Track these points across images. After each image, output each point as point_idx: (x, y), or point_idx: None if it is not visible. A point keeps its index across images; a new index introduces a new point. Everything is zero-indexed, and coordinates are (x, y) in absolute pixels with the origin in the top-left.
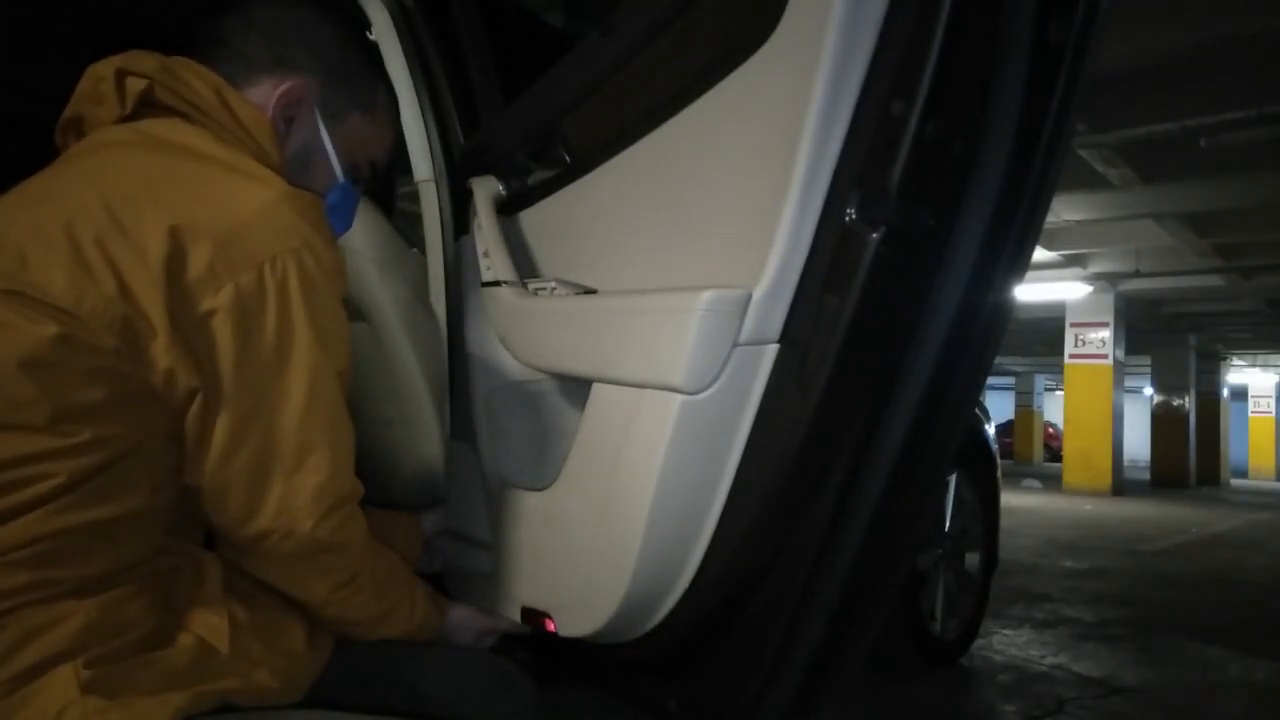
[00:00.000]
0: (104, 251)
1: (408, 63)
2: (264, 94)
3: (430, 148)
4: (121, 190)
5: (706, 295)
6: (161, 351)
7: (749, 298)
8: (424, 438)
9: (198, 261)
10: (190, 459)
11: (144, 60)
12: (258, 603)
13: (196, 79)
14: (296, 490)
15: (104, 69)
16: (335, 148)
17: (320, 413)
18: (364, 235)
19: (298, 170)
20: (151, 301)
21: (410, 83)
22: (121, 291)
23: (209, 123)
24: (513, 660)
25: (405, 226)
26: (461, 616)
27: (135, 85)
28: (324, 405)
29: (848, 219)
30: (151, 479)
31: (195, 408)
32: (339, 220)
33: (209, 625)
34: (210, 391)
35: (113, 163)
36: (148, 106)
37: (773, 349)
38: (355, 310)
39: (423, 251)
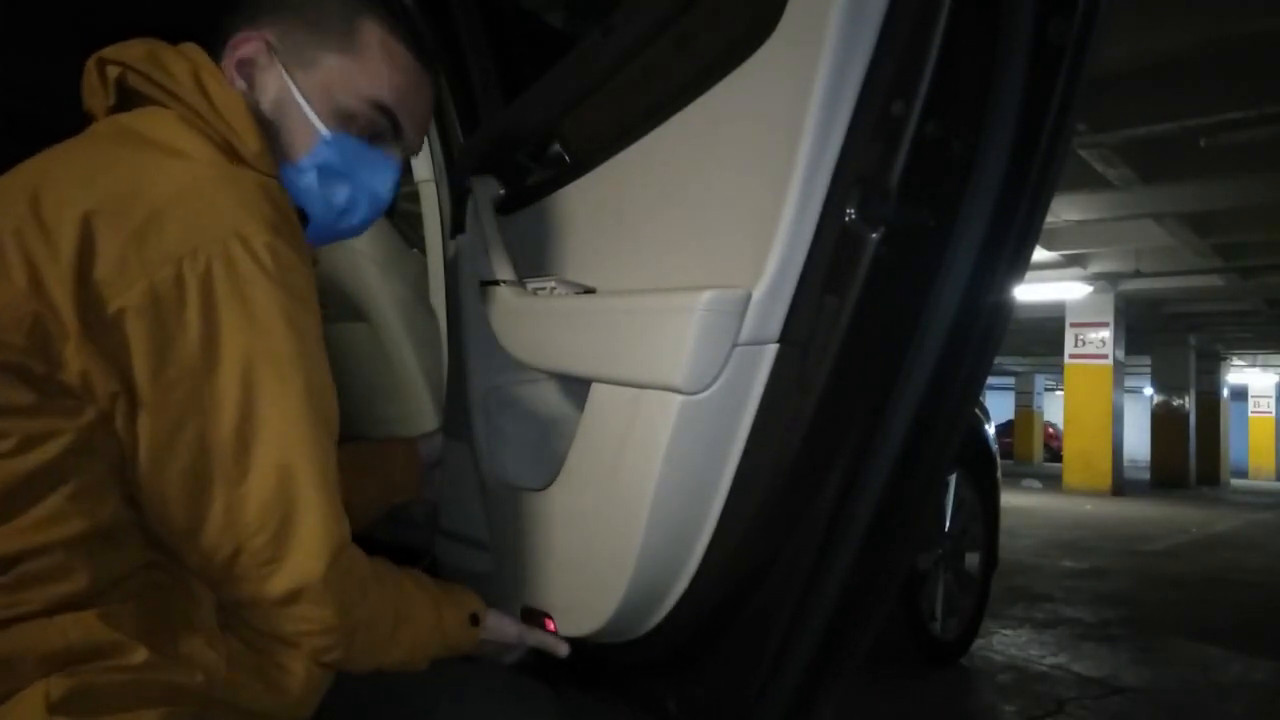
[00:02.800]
0: (20, 244)
1: None
2: (228, 59)
3: (430, 148)
4: (50, 181)
5: (706, 295)
6: (73, 353)
7: (749, 297)
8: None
9: (108, 255)
10: (127, 466)
11: (129, 49)
12: (252, 642)
13: (177, 63)
14: (242, 503)
15: (92, 60)
16: (310, 98)
17: (268, 422)
18: (364, 235)
19: (275, 135)
20: (62, 298)
21: None
22: (33, 287)
23: (182, 107)
24: (531, 677)
25: (405, 226)
26: (493, 627)
27: (111, 74)
28: (271, 413)
29: (848, 219)
30: (122, 489)
31: (120, 413)
32: (345, 182)
33: (196, 650)
34: (130, 397)
35: (61, 155)
36: (134, 95)
37: (773, 349)
38: (355, 310)
39: (423, 251)
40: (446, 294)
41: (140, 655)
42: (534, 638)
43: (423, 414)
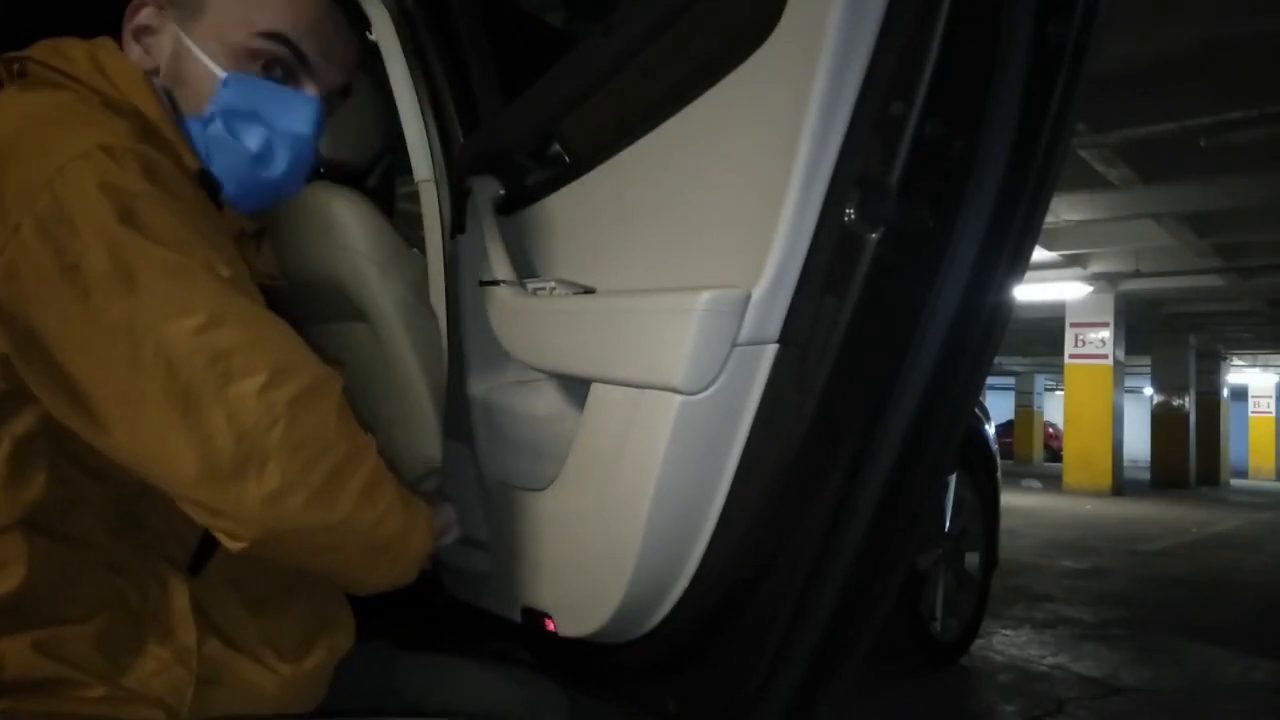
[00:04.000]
0: None
1: (408, 63)
2: (126, 31)
3: (430, 148)
4: None
5: (705, 295)
6: None
7: (748, 298)
8: (424, 437)
9: None
10: (89, 433)
11: (39, 45)
12: (234, 641)
13: (78, 49)
14: (241, 399)
15: None
16: (203, 44)
17: (226, 312)
18: (364, 235)
19: (178, 89)
20: None
21: (410, 83)
22: None
23: (78, 87)
24: (541, 675)
25: (405, 226)
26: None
27: (12, 66)
28: (221, 304)
29: (847, 219)
30: (58, 464)
31: (43, 385)
32: (254, 123)
33: (162, 670)
34: (46, 360)
35: None
36: (37, 85)
37: (772, 349)
38: (355, 310)
39: (423, 251)
40: (446, 294)
41: (95, 690)
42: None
43: (423, 414)
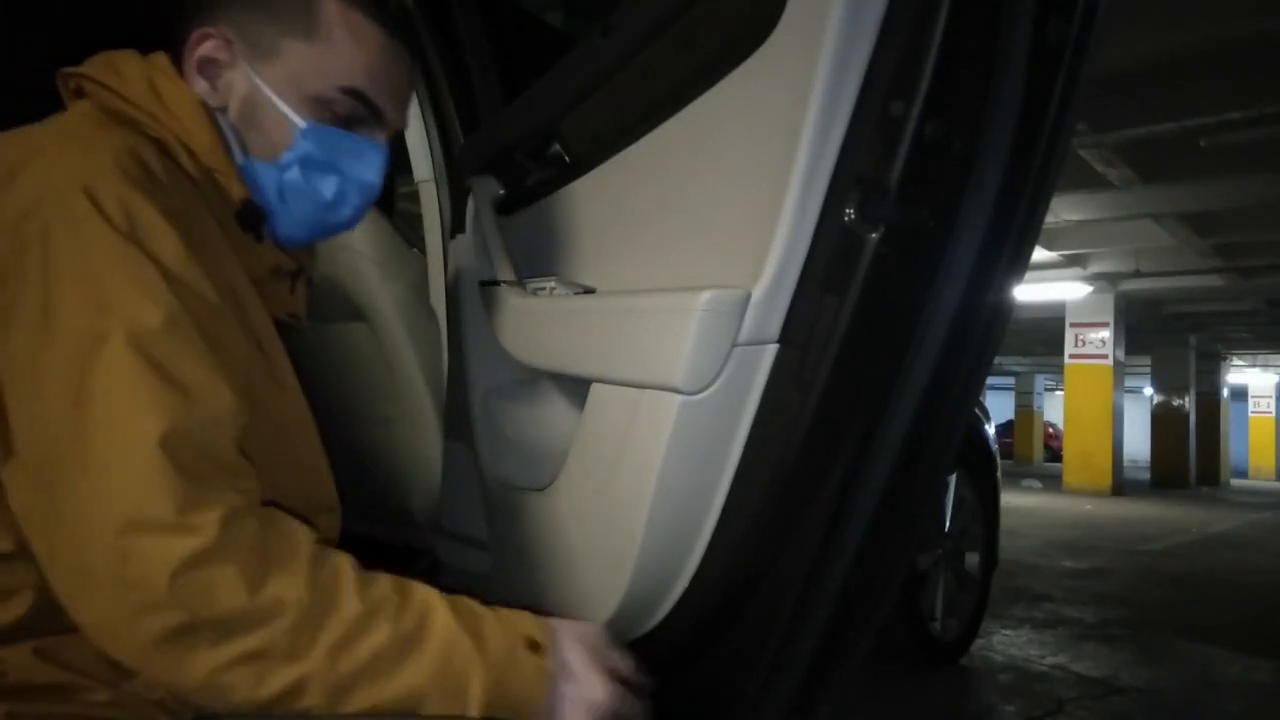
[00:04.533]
0: None
1: None
2: (188, 60)
3: (430, 148)
4: None
5: (705, 295)
6: None
7: (748, 298)
8: (424, 437)
9: None
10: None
11: (92, 61)
12: None
13: (132, 68)
14: (90, 499)
15: (58, 75)
16: (279, 91)
17: (107, 379)
18: (364, 235)
19: (250, 133)
20: None
21: None
22: None
23: (137, 113)
24: None
25: (405, 226)
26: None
27: (71, 84)
28: (110, 369)
29: (847, 219)
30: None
31: None
32: (330, 173)
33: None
34: None
35: None
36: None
37: (772, 349)
38: (355, 310)
39: (423, 251)
40: (446, 294)
41: (99, 694)
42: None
43: (423, 414)
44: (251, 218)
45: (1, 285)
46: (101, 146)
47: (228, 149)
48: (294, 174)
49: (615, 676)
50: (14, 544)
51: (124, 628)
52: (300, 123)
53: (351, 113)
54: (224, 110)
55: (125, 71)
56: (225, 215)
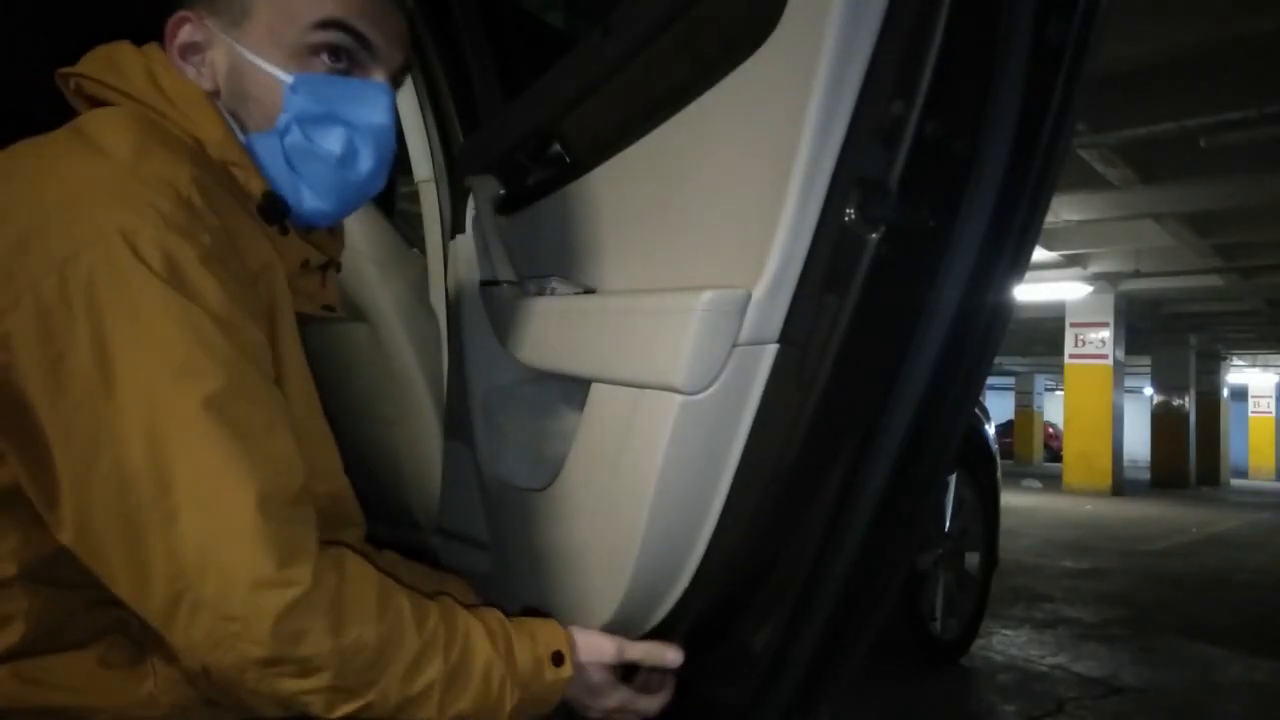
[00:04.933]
0: None
1: None
2: (171, 52)
3: (430, 148)
4: None
5: (706, 295)
6: None
7: (748, 298)
8: (424, 437)
9: None
10: (47, 517)
11: (89, 57)
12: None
13: (131, 63)
14: (180, 544)
15: (57, 75)
16: (259, 51)
17: (187, 444)
18: (364, 235)
19: (243, 107)
20: None
21: (410, 82)
22: None
23: (140, 107)
24: None
25: (405, 226)
26: (587, 652)
27: (71, 84)
28: (188, 434)
29: (847, 219)
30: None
31: (15, 453)
32: (333, 124)
33: (164, 691)
34: (28, 433)
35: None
36: (104, 102)
37: (772, 349)
38: (355, 310)
39: (423, 251)
40: (446, 294)
41: (101, 714)
42: (636, 651)
43: (423, 414)
44: (273, 210)
45: (49, 337)
46: (138, 187)
47: (238, 142)
48: (295, 136)
49: (627, 678)
50: (14, 571)
51: (221, 653)
52: (287, 77)
53: (340, 49)
54: (216, 94)
55: (124, 66)
56: (250, 211)
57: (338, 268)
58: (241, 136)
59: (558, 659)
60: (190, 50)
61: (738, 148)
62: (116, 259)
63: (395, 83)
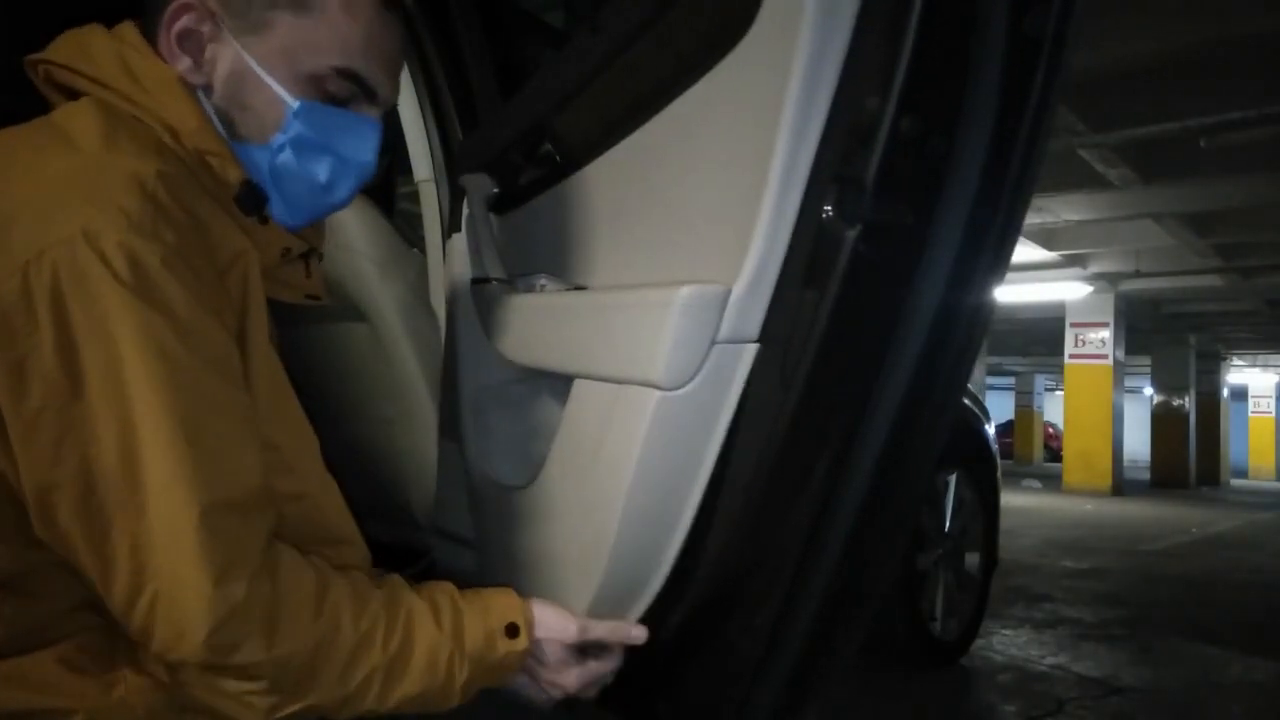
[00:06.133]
0: None
1: (407, 62)
2: (165, 35)
3: (430, 147)
4: None
5: (684, 291)
6: None
7: (728, 294)
8: (424, 436)
9: None
10: (24, 509)
11: (58, 43)
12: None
13: (101, 47)
14: (141, 541)
15: (26, 64)
16: (268, 67)
17: (158, 442)
18: (364, 235)
19: (238, 113)
20: None
21: (410, 82)
22: None
23: (111, 95)
24: None
25: (405, 226)
26: (547, 628)
27: (40, 71)
28: (146, 440)
29: (825, 216)
30: (26, 532)
31: None
32: (325, 154)
33: (140, 688)
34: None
35: None
36: (68, 91)
37: (752, 346)
38: (355, 310)
39: (423, 251)
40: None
41: (75, 716)
42: (599, 630)
43: (422, 413)
44: (252, 200)
45: (10, 339)
46: (102, 183)
47: (216, 132)
48: (286, 157)
49: (586, 649)
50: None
51: (168, 653)
52: (293, 102)
53: (344, 90)
54: (208, 89)
55: (94, 51)
56: (225, 201)
57: (320, 256)
58: (223, 134)
59: (512, 630)
60: (190, 39)
61: (717, 145)
62: (79, 262)
63: (384, 116)
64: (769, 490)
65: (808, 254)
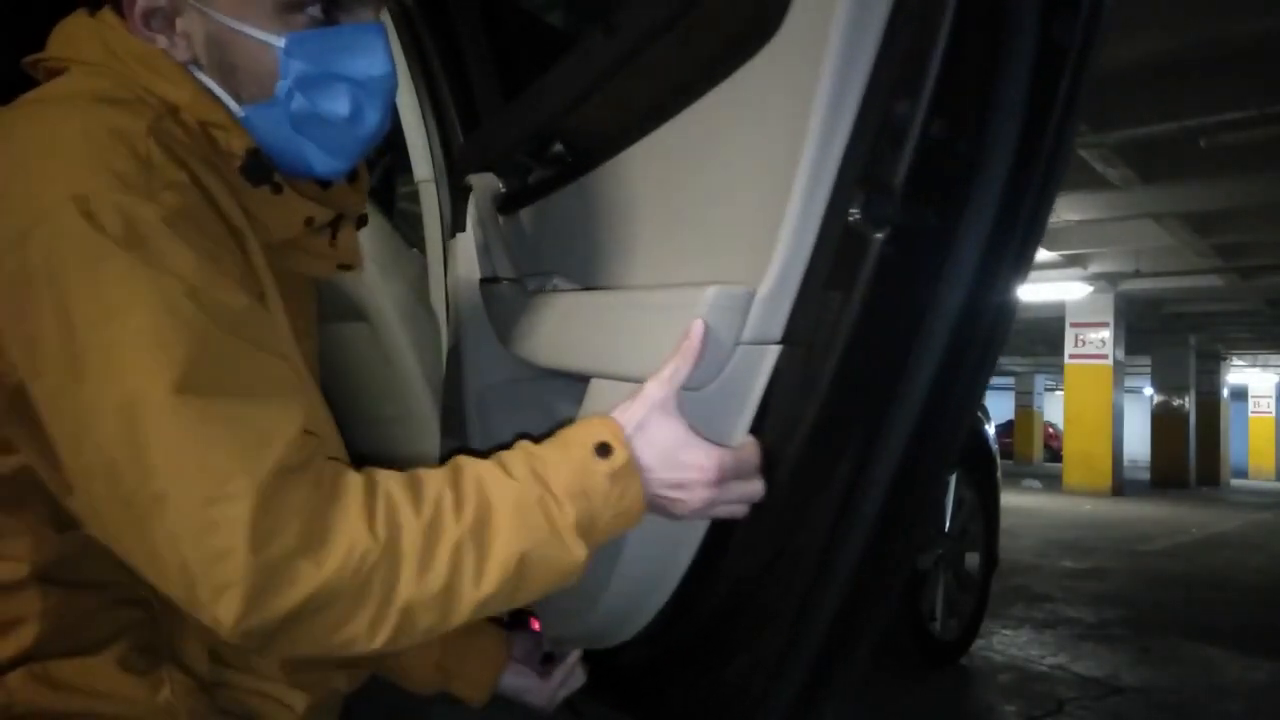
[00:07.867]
0: None
1: (407, 62)
2: (131, 20)
3: (430, 148)
4: None
5: (710, 292)
6: None
7: (752, 296)
8: (423, 435)
9: None
10: (68, 507)
11: (52, 36)
12: (253, 670)
13: (86, 36)
14: (175, 529)
15: (25, 64)
16: (237, 15)
17: (160, 427)
18: (364, 235)
19: (232, 77)
20: None
21: (410, 82)
22: None
23: (109, 79)
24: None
25: (405, 226)
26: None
27: (42, 72)
28: (160, 416)
29: (851, 219)
30: (62, 520)
31: (26, 441)
32: (333, 82)
33: (184, 689)
34: (30, 416)
35: None
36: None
37: (775, 348)
38: (355, 310)
39: (423, 251)
40: (445, 292)
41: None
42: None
43: (422, 412)
44: (258, 170)
45: (21, 317)
46: (86, 141)
47: (215, 100)
48: (299, 102)
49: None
50: (27, 572)
51: (249, 623)
52: (278, 40)
53: (327, 4)
54: (196, 64)
55: (79, 37)
56: (230, 173)
57: (362, 221)
58: (233, 104)
59: (603, 450)
60: (155, 17)
61: (742, 147)
62: (71, 229)
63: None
64: (791, 491)
65: (833, 256)
